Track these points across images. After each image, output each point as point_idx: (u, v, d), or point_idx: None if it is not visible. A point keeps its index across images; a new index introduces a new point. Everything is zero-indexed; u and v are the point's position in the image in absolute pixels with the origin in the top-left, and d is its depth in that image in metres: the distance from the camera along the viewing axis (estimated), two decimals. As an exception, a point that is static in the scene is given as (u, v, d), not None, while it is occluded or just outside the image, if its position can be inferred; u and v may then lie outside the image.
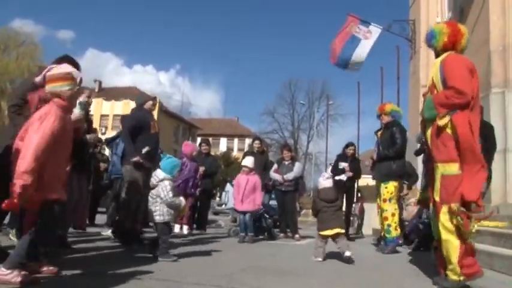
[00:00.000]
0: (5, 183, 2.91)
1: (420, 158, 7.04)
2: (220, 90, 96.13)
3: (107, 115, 42.50)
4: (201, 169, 8.03)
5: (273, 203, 8.65)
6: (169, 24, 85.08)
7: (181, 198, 4.52)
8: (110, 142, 7.17)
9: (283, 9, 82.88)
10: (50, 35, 65.89)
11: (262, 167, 8.04)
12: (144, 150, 5.00)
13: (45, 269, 3.12)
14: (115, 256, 4.44)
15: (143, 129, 5.11)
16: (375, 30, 12.99)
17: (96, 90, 45.53)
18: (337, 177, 7.54)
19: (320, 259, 4.71)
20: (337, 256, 4.94)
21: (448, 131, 3.26)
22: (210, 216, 11.39)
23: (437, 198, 3.33)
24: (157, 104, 6.08)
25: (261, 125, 52.31)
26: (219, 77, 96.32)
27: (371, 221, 10.73)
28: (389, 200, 5.92)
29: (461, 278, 3.14)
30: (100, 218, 8.73)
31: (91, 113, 5.60)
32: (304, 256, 5.02)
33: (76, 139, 3.21)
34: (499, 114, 7.49)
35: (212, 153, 10.02)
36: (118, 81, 75.45)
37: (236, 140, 54.88)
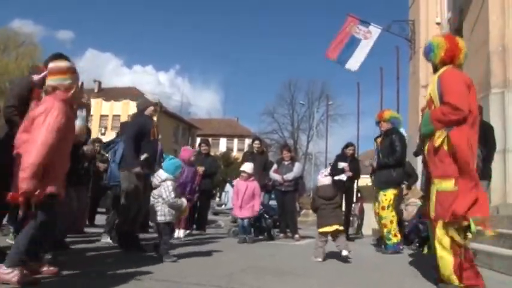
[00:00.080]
0: (5, 183, 2.92)
1: (420, 158, 7.04)
2: (219, 91, 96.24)
3: (107, 115, 42.49)
4: (201, 169, 8.03)
5: (273, 203, 8.64)
6: (169, 25, 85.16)
7: (183, 199, 4.53)
8: (107, 146, 7.12)
9: (283, 9, 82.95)
10: (49, 35, 65.87)
11: (262, 167, 8.04)
12: (142, 157, 5.00)
13: (45, 269, 3.12)
14: (115, 257, 4.44)
15: (144, 136, 5.09)
16: (375, 31, 13.00)
17: (96, 90, 45.54)
18: (336, 177, 7.54)
19: (320, 259, 4.72)
20: (337, 256, 4.94)
21: (445, 147, 3.27)
22: (210, 217, 11.39)
23: (432, 214, 3.36)
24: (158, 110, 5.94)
25: (261, 125, 52.37)
26: (218, 77, 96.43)
27: (371, 221, 10.71)
28: (388, 207, 5.95)
29: (461, 285, 3.15)
30: (100, 219, 8.72)
31: (91, 113, 5.57)
32: (304, 256, 5.03)
33: (72, 152, 3.21)
34: (498, 115, 7.49)
35: (212, 153, 10.02)
36: (117, 82, 75.41)
37: (236, 140, 54.85)
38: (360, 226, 12.18)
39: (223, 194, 21.46)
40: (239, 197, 6.84)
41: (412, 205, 7.24)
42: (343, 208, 7.29)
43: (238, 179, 7.21)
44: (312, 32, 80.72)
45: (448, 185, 3.22)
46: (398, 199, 6.40)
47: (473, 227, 3.08)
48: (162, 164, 4.75)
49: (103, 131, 39.81)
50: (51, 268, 3.15)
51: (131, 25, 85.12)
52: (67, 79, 3.01)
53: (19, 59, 29.30)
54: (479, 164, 4.77)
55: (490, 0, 8.04)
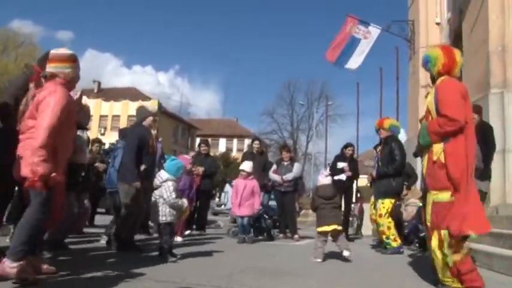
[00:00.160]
0: (5, 183, 2.92)
1: (419, 158, 7.05)
2: (219, 91, 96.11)
3: (106, 116, 42.45)
4: (201, 169, 8.03)
5: (272, 203, 8.64)
6: (168, 25, 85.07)
7: (184, 200, 4.53)
8: (107, 154, 7.12)
9: (283, 10, 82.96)
10: (49, 36, 65.66)
11: (262, 167, 8.04)
12: (140, 169, 5.00)
13: (45, 267, 3.12)
14: (114, 257, 4.43)
15: (142, 148, 5.08)
16: (374, 31, 13.01)
17: (95, 90, 45.50)
18: (336, 177, 7.55)
19: (319, 260, 4.72)
20: (337, 256, 4.95)
21: (441, 159, 3.30)
22: (209, 217, 11.39)
23: (428, 224, 3.40)
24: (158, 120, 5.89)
25: (260, 125, 52.42)
26: (218, 77, 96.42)
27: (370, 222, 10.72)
28: (384, 214, 5.99)
29: (461, 286, 3.16)
30: (99, 219, 8.73)
31: (90, 114, 5.56)
32: (304, 256, 5.02)
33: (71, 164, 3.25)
34: (498, 115, 7.49)
35: (211, 153, 10.01)
36: (117, 82, 75.36)
37: (235, 141, 54.82)
38: (359, 226, 12.18)
39: (223, 194, 21.49)
40: (238, 195, 6.84)
41: (411, 205, 7.24)
42: (343, 208, 7.30)
43: (237, 178, 7.20)
44: (311, 32, 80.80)
45: (445, 196, 3.26)
46: (397, 206, 6.44)
47: (472, 236, 3.17)
48: (164, 164, 4.75)
49: (102, 131, 39.78)
50: (51, 267, 3.15)
51: (131, 25, 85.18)
52: (67, 67, 3.05)
53: (19, 60, 29.34)
54: (480, 165, 4.79)
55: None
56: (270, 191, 8.40)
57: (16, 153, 2.94)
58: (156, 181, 4.45)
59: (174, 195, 4.32)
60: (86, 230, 6.90)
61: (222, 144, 54.15)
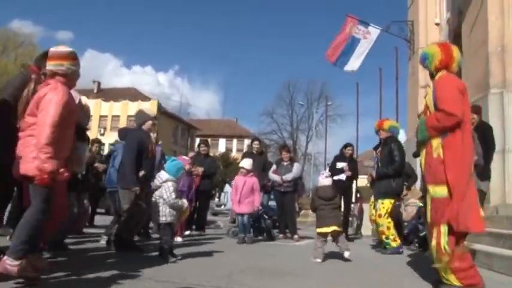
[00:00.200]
0: (5, 183, 2.91)
1: (419, 158, 7.05)
2: (219, 91, 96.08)
3: (106, 116, 42.45)
4: (200, 170, 8.03)
5: (272, 203, 8.65)
6: (168, 25, 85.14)
7: (184, 200, 4.53)
8: (108, 157, 7.12)
9: (283, 10, 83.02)
10: (49, 36, 65.53)
11: (261, 167, 8.04)
12: (139, 175, 5.01)
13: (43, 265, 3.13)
14: (114, 257, 4.43)
15: (142, 152, 5.09)
16: (374, 31, 13.02)
17: (95, 91, 45.52)
18: (336, 177, 7.55)
19: (319, 260, 4.73)
20: (337, 256, 4.96)
21: (440, 154, 3.32)
22: (209, 217, 11.39)
23: (429, 220, 3.41)
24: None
25: (260, 125, 52.48)
26: (217, 77, 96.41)
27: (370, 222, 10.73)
28: (384, 215, 6.00)
29: (460, 285, 3.17)
30: (99, 219, 8.72)
31: (90, 114, 5.56)
32: (304, 257, 5.02)
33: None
34: (497, 115, 7.50)
35: (211, 154, 10.01)
36: (117, 82, 75.48)
37: (235, 141, 54.83)
38: (359, 226, 12.20)
39: (223, 194, 21.48)
40: (237, 192, 6.84)
41: (411, 205, 7.24)
42: (342, 208, 7.30)
43: (237, 176, 7.19)
44: (311, 32, 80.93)
45: (442, 191, 3.27)
46: (397, 206, 6.45)
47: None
48: (164, 165, 4.75)
49: (102, 132, 39.77)
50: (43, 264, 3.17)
51: (130, 26, 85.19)
52: (67, 65, 3.04)
53: (18, 60, 29.36)
54: (480, 162, 4.81)
55: (489, 0, 8.05)
56: (270, 191, 8.40)
57: (16, 153, 2.94)
58: (156, 182, 4.45)
59: (173, 196, 4.32)
60: (85, 230, 6.90)
61: (222, 145, 54.16)
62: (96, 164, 7.46)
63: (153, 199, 4.44)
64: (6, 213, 4.55)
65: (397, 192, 6.21)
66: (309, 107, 49.66)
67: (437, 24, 11.87)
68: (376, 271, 4.34)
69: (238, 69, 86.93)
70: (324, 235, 4.87)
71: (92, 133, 31.59)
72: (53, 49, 3.08)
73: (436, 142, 3.35)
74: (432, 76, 3.63)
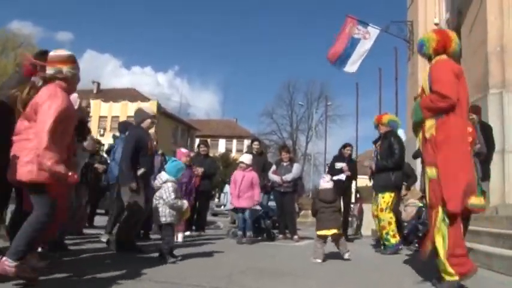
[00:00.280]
0: (4, 184, 2.90)
1: (419, 159, 7.06)
2: (218, 91, 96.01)
3: (105, 116, 42.43)
4: (200, 170, 8.04)
5: (272, 204, 8.64)
6: (167, 25, 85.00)
7: (184, 201, 4.53)
8: (108, 152, 7.18)
9: (283, 10, 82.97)
10: (48, 37, 65.63)
11: (261, 168, 8.04)
12: (139, 173, 5.01)
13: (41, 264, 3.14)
14: (114, 258, 4.43)
15: (141, 149, 5.09)
16: (373, 31, 13.02)
17: (95, 91, 45.51)
18: (335, 177, 7.55)
19: (319, 260, 4.74)
20: (336, 257, 4.97)
21: (432, 134, 3.33)
22: (209, 218, 11.38)
23: (428, 201, 3.43)
24: (156, 122, 5.95)
25: (260, 126, 52.53)
26: (217, 78, 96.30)
27: (370, 222, 10.73)
28: (385, 209, 5.97)
29: (456, 277, 3.17)
30: (99, 220, 8.72)
31: (90, 114, 5.59)
32: (303, 257, 5.03)
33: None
34: (496, 115, 7.51)
35: (211, 154, 10.01)
36: (116, 83, 75.60)
37: (235, 141, 54.80)
38: (359, 227, 12.20)
39: (222, 195, 21.45)
40: (236, 186, 6.83)
41: (411, 206, 7.24)
42: (342, 209, 7.30)
43: (236, 171, 7.18)
44: (311, 33, 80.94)
45: (435, 172, 3.29)
46: (397, 201, 6.42)
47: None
48: (165, 166, 4.77)
49: (102, 132, 39.76)
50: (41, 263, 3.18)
51: (130, 26, 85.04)
52: (67, 68, 3.01)
53: (18, 61, 29.29)
54: (483, 150, 4.85)
55: (488, 0, 8.06)
56: (270, 191, 8.40)
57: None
58: (157, 182, 4.46)
59: (173, 196, 4.32)
60: (85, 231, 6.89)
61: (222, 145, 54.13)
62: (96, 165, 7.47)
63: (154, 200, 4.45)
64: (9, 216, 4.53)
65: (397, 185, 6.16)
66: (308, 107, 49.73)
67: (436, 24, 11.86)
68: (376, 271, 4.34)
69: (238, 69, 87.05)
70: (323, 237, 4.90)
71: (92, 134, 31.52)
72: (52, 53, 3.06)
73: (429, 123, 3.36)
74: (431, 61, 3.63)
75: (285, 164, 8.05)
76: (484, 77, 7.93)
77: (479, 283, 3.69)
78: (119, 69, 78.55)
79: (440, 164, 3.24)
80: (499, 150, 6.74)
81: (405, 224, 7.17)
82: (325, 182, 5.17)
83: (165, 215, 4.33)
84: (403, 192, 7.37)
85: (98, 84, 48.15)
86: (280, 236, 8.03)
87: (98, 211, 9.36)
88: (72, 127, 3.17)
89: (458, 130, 3.28)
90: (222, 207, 20.28)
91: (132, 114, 5.67)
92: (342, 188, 7.67)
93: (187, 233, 7.67)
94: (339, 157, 8.44)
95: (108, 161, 7.32)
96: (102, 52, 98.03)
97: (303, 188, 10.30)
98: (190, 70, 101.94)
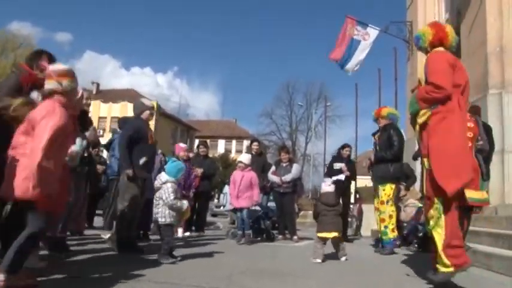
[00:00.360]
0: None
1: (419, 160, 7.05)
2: (218, 92, 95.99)
3: (105, 117, 42.36)
4: (199, 171, 8.04)
5: (272, 204, 8.64)
6: (167, 26, 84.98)
7: (184, 201, 4.53)
8: (108, 146, 7.20)
9: (282, 10, 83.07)
10: (47, 38, 65.61)
11: (260, 168, 8.04)
12: (141, 161, 5.01)
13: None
14: (113, 259, 4.43)
15: (141, 139, 5.10)
16: (373, 32, 13.04)
17: (94, 92, 45.40)
18: (334, 178, 7.55)
19: (319, 260, 4.75)
20: (336, 257, 4.98)
21: (428, 122, 3.35)
22: (208, 218, 11.38)
23: (425, 192, 3.45)
24: (155, 111, 6.00)
25: (259, 126, 52.54)
26: (217, 78, 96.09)
27: (369, 223, 10.74)
28: (387, 202, 5.95)
29: (451, 269, 3.17)
30: (99, 221, 8.70)
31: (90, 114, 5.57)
32: (303, 257, 5.03)
33: None
34: (496, 115, 7.52)
35: (210, 155, 10.01)
36: (116, 84, 75.62)
37: (234, 142, 54.78)
38: (358, 227, 12.20)
39: (222, 195, 21.43)
40: (235, 187, 6.83)
41: (410, 206, 7.25)
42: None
43: (235, 171, 7.19)
44: (310, 33, 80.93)
45: (427, 163, 3.32)
46: (397, 195, 6.38)
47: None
48: (165, 166, 4.77)
49: (101, 133, 39.70)
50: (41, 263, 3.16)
51: (129, 27, 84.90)
52: (66, 83, 2.98)
53: (17, 61, 29.27)
54: (485, 147, 4.86)
55: (488, 1, 8.07)
56: (269, 192, 8.40)
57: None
58: (157, 183, 4.46)
59: (172, 197, 4.32)
60: (85, 231, 6.88)
61: (221, 146, 54.13)
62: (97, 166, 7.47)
63: (154, 201, 4.45)
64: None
65: (396, 176, 6.12)
66: (308, 108, 49.77)
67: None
68: (376, 272, 4.34)
69: (237, 70, 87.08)
70: (324, 239, 4.96)
71: (91, 134, 31.47)
72: (50, 68, 3.02)
73: (425, 113, 3.37)
74: (427, 55, 3.65)
75: (284, 164, 8.05)
76: (484, 77, 7.94)
77: (479, 283, 3.71)
78: (118, 69, 78.64)
79: (433, 150, 3.24)
80: (498, 151, 6.75)
81: (404, 224, 7.18)
82: (327, 186, 5.23)
83: (165, 215, 4.32)
84: (402, 192, 7.38)
85: (98, 85, 48.12)
86: (280, 236, 8.02)
87: (98, 212, 9.34)
88: (70, 140, 3.15)
89: (454, 119, 3.27)
90: (222, 207, 20.25)
91: (132, 115, 5.68)
92: (341, 188, 7.66)
93: (187, 233, 7.68)
94: (338, 157, 8.44)
95: (107, 160, 7.36)
96: (101, 53, 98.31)
97: (302, 189, 10.29)
98: (190, 71, 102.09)
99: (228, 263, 4.40)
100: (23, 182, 2.68)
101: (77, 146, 3.70)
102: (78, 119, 3.55)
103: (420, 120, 3.39)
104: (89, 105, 4.91)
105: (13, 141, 2.88)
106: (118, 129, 6.71)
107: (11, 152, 2.84)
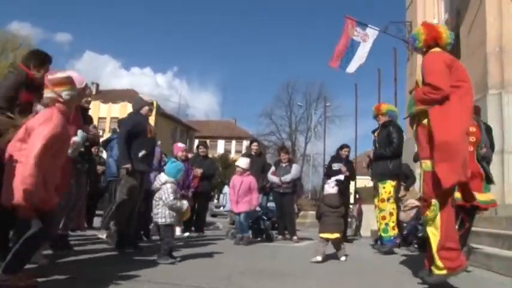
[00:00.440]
0: None
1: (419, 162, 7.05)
2: (217, 92, 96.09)
3: (105, 118, 42.35)
4: (199, 171, 8.03)
5: (271, 205, 8.64)
6: (167, 26, 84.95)
7: (184, 202, 4.53)
8: (106, 144, 7.18)
9: (282, 11, 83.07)
10: (47, 38, 65.74)
11: (260, 169, 8.04)
12: (140, 154, 5.01)
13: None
14: (113, 259, 4.43)
15: (140, 133, 5.11)
16: (372, 33, 13.05)
17: (94, 92, 45.37)
18: (333, 178, 7.53)
19: (319, 258, 4.77)
20: (336, 258, 4.98)
21: (421, 121, 3.37)
22: (208, 219, 11.38)
23: (422, 195, 3.46)
24: (154, 110, 6.09)
25: (259, 127, 52.70)
26: (216, 78, 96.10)
27: (369, 223, 10.75)
28: (388, 199, 5.94)
29: (444, 272, 3.16)
30: (99, 221, 8.70)
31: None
32: (303, 258, 5.03)
33: None
34: (496, 116, 7.52)
35: (210, 155, 10.01)
36: (115, 84, 75.65)
37: (234, 142, 54.79)
38: (358, 227, 12.21)
39: (221, 196, 21.45)
40: (235, 192, 6.83)
41: (410, 206, 7.23)
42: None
43: (234, 175, 7.19)
44: (310, 34, 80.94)
45: (429, 165, 3.29)
46: (397, 192, 6.36)
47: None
48: (164, 167, 4.76)
49: (101, 133, 39.62)
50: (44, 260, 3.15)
51: (129, 27, 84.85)
52: (66, 90, 2.97)
53: (17, 62, 29.30)
54: (488, 154, 4.85)
55: (487, 1, 8.07)
56: (269, 192, 8.40)
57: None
58: (156, 184, 4.46)
59: (171, 197, 4.31)
60: (85, 231, 6.89)
61: (221, 146, 54.14)
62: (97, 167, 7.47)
63: (154, 201, 4.45)
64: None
65: (395, 173, 6.11)
66: (307, 108, 49.77)
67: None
68: (376, 272, 4.34)
69: (237, 70, 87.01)
70: (326, 240, 4.98)
71: (91, 135, 31.46)
72: (50, 77, 3.01)
73: (421, 112, 3.37)
74: (424, 55, 3.65)
75: (283, 164, 8.05)
76: (483, 77, 7.94)
77: (479, 283, 3.71)
78: (118, 70, 78.57)
79: (441, 154, 3.20)
80: (498, 151, 6.76)
81: (404, 224, 7.17)
82: (331, 188, 5.25)
83: (165, 216, 4.32)
84: (402, 193, 7.38)
85: (97, 85, 48.10)
86: (280, 236, 8.02)
87: (97, 212, 9.34)
88: (67, 148, 3.13)
89: (452, 117, 3.25)
90: (221, 208, 20.27)
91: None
92: (341, 188, 7.65)
93: (187, 234, 7.67)
94: (336, 158, 8.43)
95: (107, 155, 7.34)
96: (101, 53, 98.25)
97: (302, 189, 10.30)
98: (189, 71, 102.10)
99: (228, 264, 4.40)
100: (17, 189, 2.68)
101: (78, 137, 3.70)
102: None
103: (416, 118, 3.39)
104: (89, 102, 4.92)
105: (9, 147, 2.85)
106: (118, 129, 6.70)
107: (7, 159, 2.82)
